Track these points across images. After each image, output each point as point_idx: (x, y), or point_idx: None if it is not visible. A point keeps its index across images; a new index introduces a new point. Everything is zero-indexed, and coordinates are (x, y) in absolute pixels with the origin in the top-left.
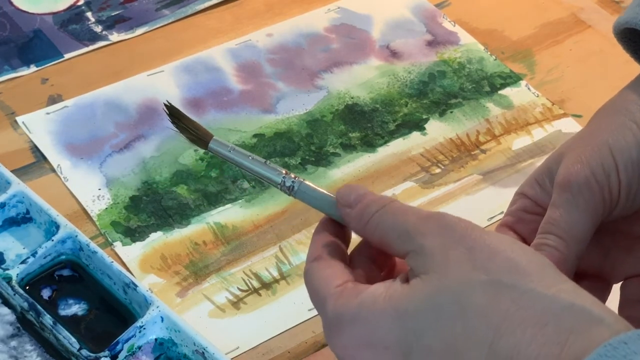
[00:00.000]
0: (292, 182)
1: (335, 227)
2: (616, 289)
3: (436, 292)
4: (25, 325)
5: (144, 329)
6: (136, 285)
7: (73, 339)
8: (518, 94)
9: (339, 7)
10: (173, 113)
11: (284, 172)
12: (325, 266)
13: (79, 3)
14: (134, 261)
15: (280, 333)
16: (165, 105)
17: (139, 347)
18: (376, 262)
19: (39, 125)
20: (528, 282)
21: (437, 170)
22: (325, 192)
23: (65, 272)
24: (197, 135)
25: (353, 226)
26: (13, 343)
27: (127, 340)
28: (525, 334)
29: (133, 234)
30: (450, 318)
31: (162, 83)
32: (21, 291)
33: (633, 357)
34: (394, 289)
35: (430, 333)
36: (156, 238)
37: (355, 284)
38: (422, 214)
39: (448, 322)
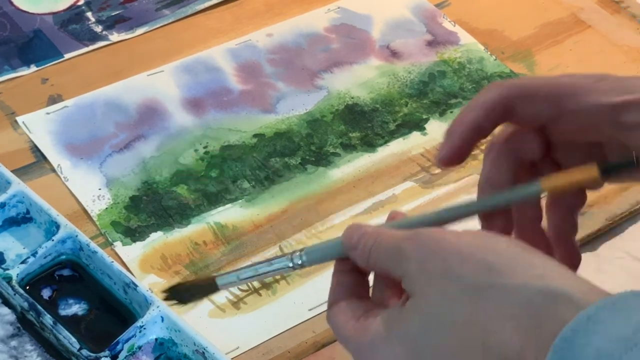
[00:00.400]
0: (300, 257)
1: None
2: None
3: (424, 312)
4: (26, 325)
5: (144, 328)
6: (136, 285)
7: (73, 339)
8: None
9: (339, 7)
10: (174, 295)
11: (287, 256)
12: (339, 311)
13: (79, 3)
14: (134, 261)
15: (280, 333)
16: (163, 295)
17: (139, 347)
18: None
19: (39, 125)
20: (500, 279)
21: (437, 170)
22: (328, 242)
23: (66, 272)
24: (205, 291)
25: (361, 266)
26: (13, 343)
27: (127, 340)
28: (508, 328)
29: (133, 234)
30: (442, 332)
31: (162, 83)
32: (21, 291)
33: (591, 336)
34: (393, 317)
35: (430, 349)
36: (156, 238)
37: (366, 318)
38: (403, 236)
39: (441, 336)
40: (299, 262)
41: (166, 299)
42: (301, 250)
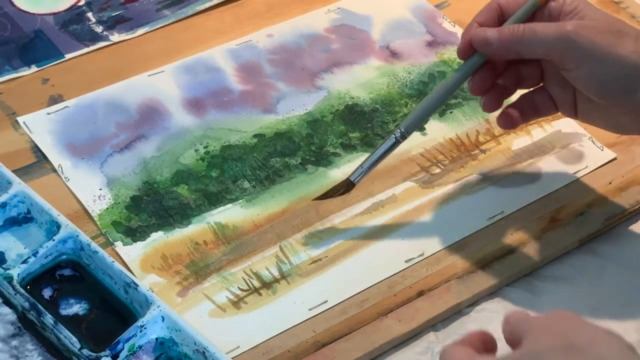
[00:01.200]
0: (400, 132)
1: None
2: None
3: (526, 352)
4: (26, 324)
5: (145, 328)
6: (137, 285)
7: (74, 339)
8: (517, 94)
9: (339, 8)
10: (323, 197)
11: (392, 135)
12: (459, 346)
13: (80, 3)
14: (134, 261)
15: (280, 333)
16: (314, 200)
17: (140, 347)
18: None
19: (40, 126)
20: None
21: (437, 170)
22: (419, 110)
23: (66, 272)
24: (344, 189)
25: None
26: (14, 342)
27: (128, 340)
28: None
29: (134, 234)
30: None
31: (163, 83)
32: (22, 291)
33: None
34: (500, 356)
35: None
36: (157, 238)
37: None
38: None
39: None
40: (402, 134)
41: (317, 199)
42: (397, 126)
